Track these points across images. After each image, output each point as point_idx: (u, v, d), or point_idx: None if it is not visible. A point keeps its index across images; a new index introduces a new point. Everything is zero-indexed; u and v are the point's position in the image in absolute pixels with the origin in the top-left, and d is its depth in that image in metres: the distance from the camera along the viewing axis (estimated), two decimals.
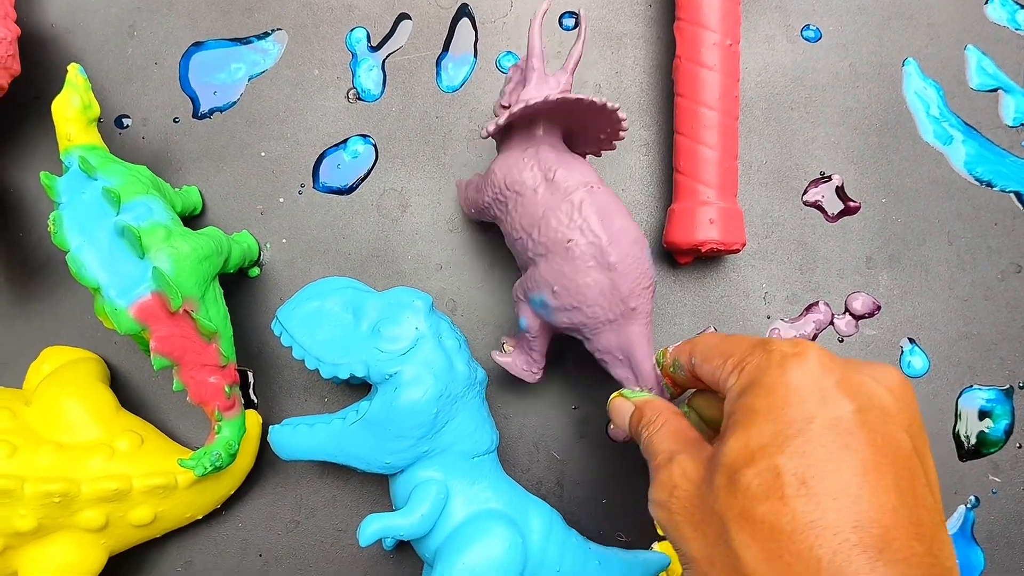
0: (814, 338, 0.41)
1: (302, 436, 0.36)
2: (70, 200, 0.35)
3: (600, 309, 0.33)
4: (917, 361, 0.41)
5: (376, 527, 0.34)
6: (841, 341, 0.41)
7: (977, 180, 0.42)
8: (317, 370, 0.35)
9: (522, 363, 0.37)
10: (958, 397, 0.41)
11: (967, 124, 0.43)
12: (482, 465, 0.36)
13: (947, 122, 0.43)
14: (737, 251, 0.39)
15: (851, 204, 0.42)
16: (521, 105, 0.32)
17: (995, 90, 0.43)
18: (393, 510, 0.36)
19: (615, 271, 0.32)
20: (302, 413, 0.41)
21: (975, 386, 0.41)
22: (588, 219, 0.32)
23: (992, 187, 0.42)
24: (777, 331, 0.41)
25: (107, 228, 0.34)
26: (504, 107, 0.35)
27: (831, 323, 0.41)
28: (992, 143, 0.43)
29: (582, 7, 0.42)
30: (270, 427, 0.36)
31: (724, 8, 0.39)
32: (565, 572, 0.36)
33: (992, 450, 0.41)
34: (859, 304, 0.41)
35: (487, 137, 0.34)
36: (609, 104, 0.32)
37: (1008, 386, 0.41)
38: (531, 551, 0.35)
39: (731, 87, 0.39)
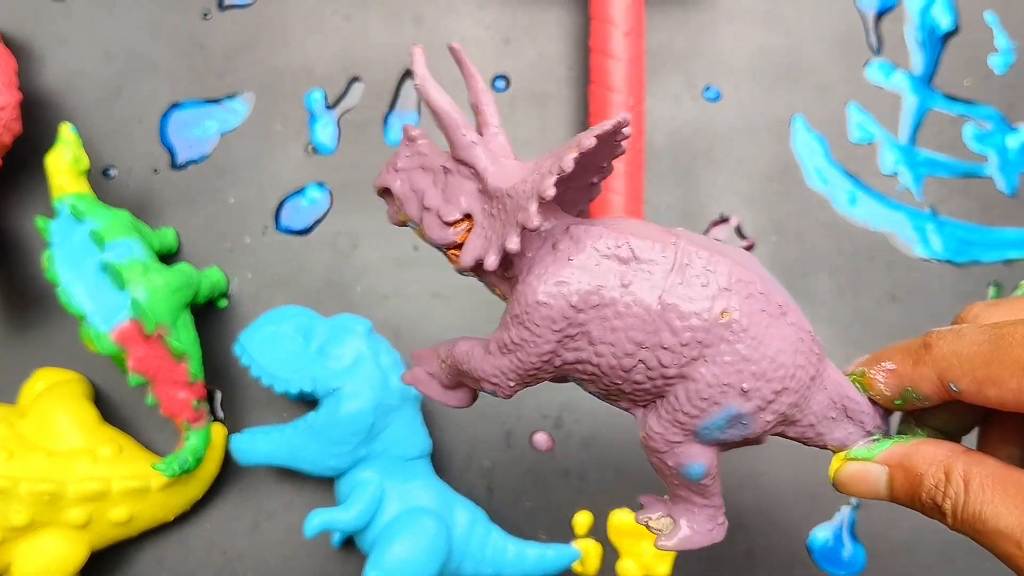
0: None
1: (259, 443, 0.41)
2: (61, 241, 0.41)
3: (803, 369, 0.25)
4: None
5: (319, 520, 0.39)
6: None
7: (856, 221, 0.48)
8: (272, 386, 0.41)
9: (702, 523, 0.28)
10: None
11: (848, 172, 0.49)
12: (415, 467, 0.42)
13: (830, 171, 0.49)
14: None
15: (748, 242, 0.48)
16: (554, 178, 0.22)
17: (872, 143, 0.49)
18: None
19: (788, 307, 0.25)
20: (262, 425, 0.46)
21: None
22: (718, 267, 0.24)
23: (869, 227, 0.48)
24: None
25: (92, 265, 0.40)
26: (428, 209, 0.26)
27: None
28: (870, 188, 0.49)
29: (508, 70, 0.49)
30: (231, 435, 0.42)
31: (629, 73, 0.45)
32: (486, 561, 0.42)
33: None
34: None
35: (535, 229, 0.23)
36: (621, 117, 0.23)
37: None
38: (455, 541, 0.41)
39: (635, 140, 0.45)
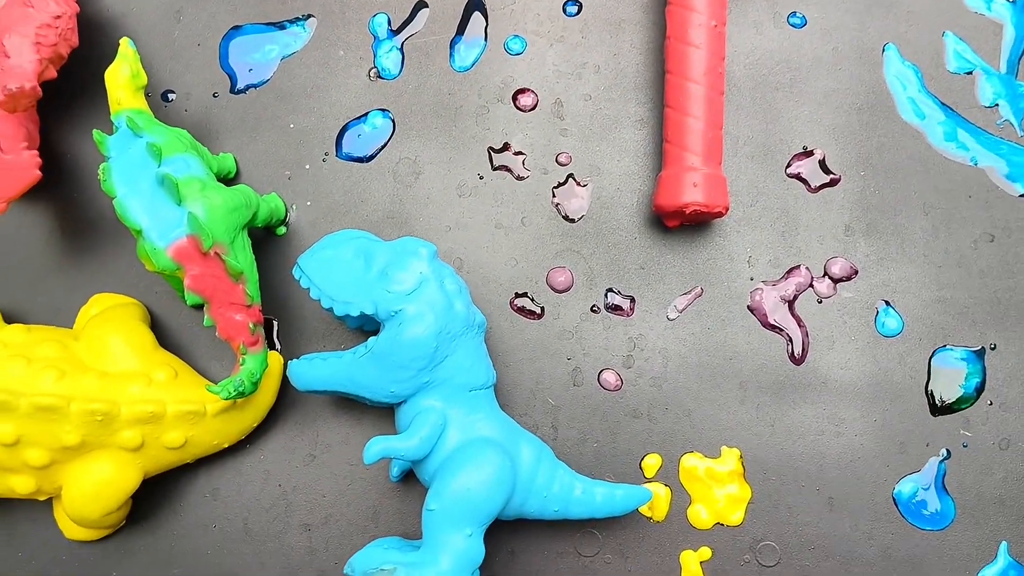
0: (794, 299, 0.44)
1: (316, 368, 0.40)
2: (118, 155, 0.40)
3: None
4: (891, 322, 0.44)
5: (379, 447, 0.38)
6: (820, 302, 0.44)
7: (952, 156, 0.45)
8: (331, 309, 0.39)
9: None
10: (931, 356, 0.43)
11: (944, 104, 0.46)
12: (479, 399, 0.40)
13: (925, 102, 0.46)
14: (720, 214, 0.42)
15: (832, 176, 0.45)
16: None
17: (971, 72, 0.46)
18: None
19: None
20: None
21: (948, 346, 0.44)
22: None
23: (966, 163, 0.45)
24: (760, 291, 0.44)
25: (149, 178, 0.39)
26: None
27: (811, 285, 0.44)
28: (968, 121, 0.45)
29: None
30: (288, 361, 0.41)
31: None
32: (552, 497, 0.39)
33: (964, 406, 0.43)
34: (837, 268, 0.44)
35: None
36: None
37: (980, 347, 0.43)
38: (521, 476, 0.39)
39: (716, 64, 0.43)
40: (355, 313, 0.39)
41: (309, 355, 0.41)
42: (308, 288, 0.40)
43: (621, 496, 0.40)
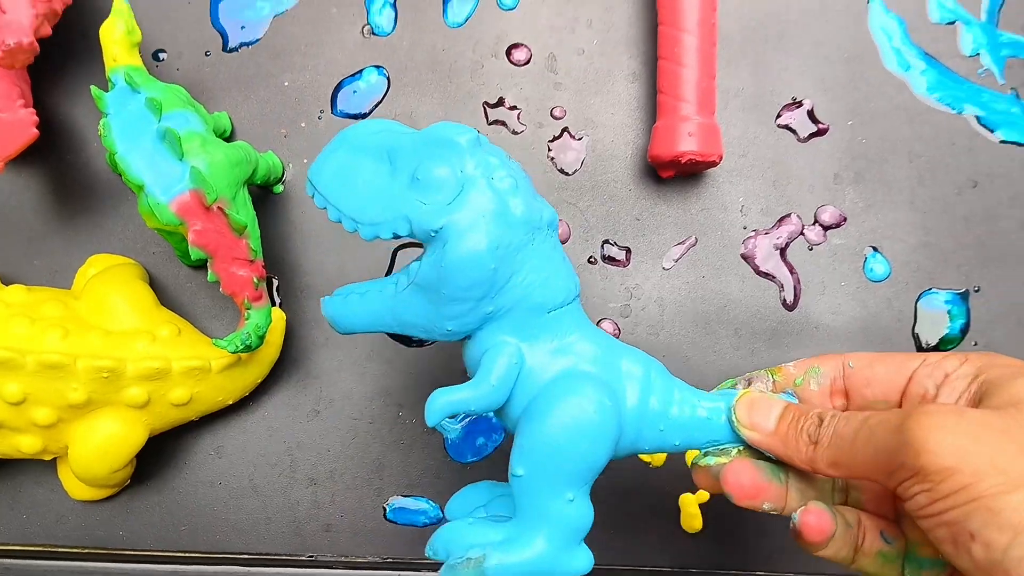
0: (786, 247, 0.45)
1: (354, 306, 0.33)
2: (117, 111, 0.39)
3: None
4: (879, 267, 0.45)
5: (443, 402, 0.30)
6: (811, 249, 0.45)
7: (936, 105, 0.46)
8: (356, 231, 0.31)
9: None
10: (917, 300, 0.45)
11: (927, 54, 0.47)
12: (561, 319, 0.32)
13: (909, 52, 0.47)
14: (715, 163, 0.43)
15: (821, 126, 0.46)
16: None
17: (953, 23, 0.47)
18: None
19: None
20: (323, 320, 0.45)
21: (933, 289, 0.45)
22: None
23: (950, 111, 0.46)
24: (753, 239, 0.45)
25: (150, 133, 0.39)
26: None
27: (802, 233, 0.45)
28: (950, 71, 0.47)
29: None
30: (322, 299, 0.34)
31: None
32: (672, 427, 0.32)
33: (949, 347, 0.45)
34: (827, 216, 0.45)
35: None
36: None
37: (964, 290, 0.45)
38: (628, 408, 0.32)
39: (709, 15, 0.43)
40: (386, 236, 0.31)
41: (344, 289, 0.34)
42: (325, 208, 0.32)
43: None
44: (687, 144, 0.42)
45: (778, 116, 0.46)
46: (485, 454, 0.44)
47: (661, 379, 0.33)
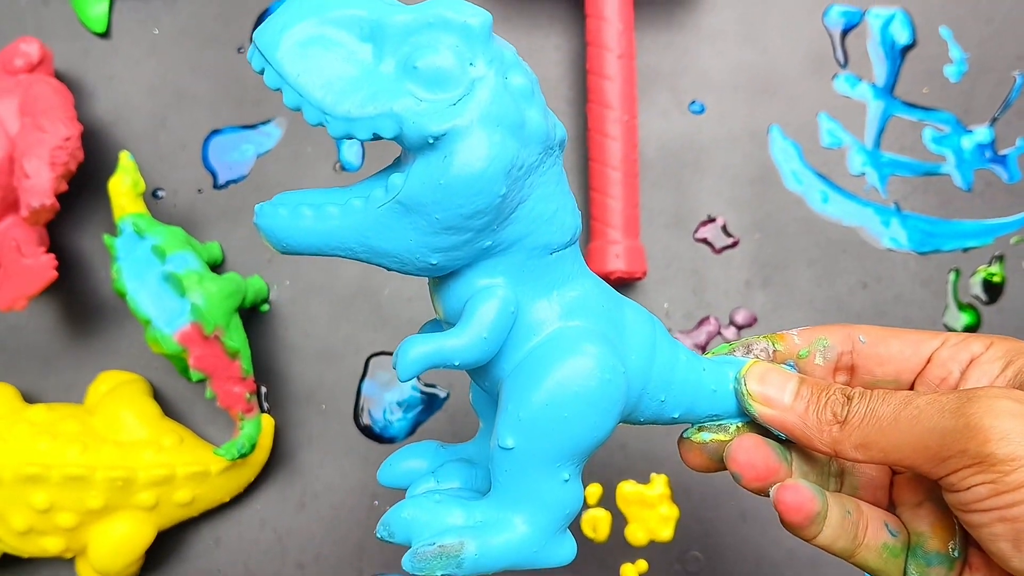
0: (705, 345, 0.52)
1: (304, 222, 0.25)
2: (126, 255, 0.46)
3: None
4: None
5: (421, 351, 0.25)
6: None
7: (830, 217, 0.54)
8: (323, 125, 0.25)
9: None
10: None
11: (820, 174, 0.55)
12: (562, 263, 0.27)
13: (805, 173, 0.55)
14: (640, 278, 0.50)
15: (732, 239, 0.54)
16: None
17: (842, 147, 0.55)
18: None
19: None
20: (306, 423, 0.51)
21: None
22: None
23: (841, 223, 0.54)
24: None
25: (155, 275, 0.45)
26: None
27: (719, 333, 0.53)
28: (841, 188, 0.54)
29: None
30: (256, 206, 0.27)
31: (622, 92, 0.51)
32: (673, 398, 0.28)
33: None
34: (740, 317, 0.53)
35: None
36: None
37: None
38: (632, 371, 0.27)
39: (630, 152, 0.51)
40: (363, 136, 0.24)
41: (287, 197, 0.26)
42: (279, 89, 0.24)
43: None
44: (615, 264, 0.50)
45: (696, 231, 0.54)
46: None
47: (665, 340, 0.29)
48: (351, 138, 0.25)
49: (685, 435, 0.31)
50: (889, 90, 0.56)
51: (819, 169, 0.55)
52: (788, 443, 0.29)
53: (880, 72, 0.56)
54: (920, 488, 0.29)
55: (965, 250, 0.54)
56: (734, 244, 0.54)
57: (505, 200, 0.25)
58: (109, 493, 0.45)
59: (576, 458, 0.26)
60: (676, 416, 0.29)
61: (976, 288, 0.53)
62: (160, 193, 0.54)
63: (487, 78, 0.24)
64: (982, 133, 0.55)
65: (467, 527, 0.26)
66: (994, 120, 0.55)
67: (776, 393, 0.28)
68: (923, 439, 0.25)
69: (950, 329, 0.53)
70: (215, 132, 0.54)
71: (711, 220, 0.54)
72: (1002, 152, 0.55)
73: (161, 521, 0.47)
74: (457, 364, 0.26)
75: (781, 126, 0.55)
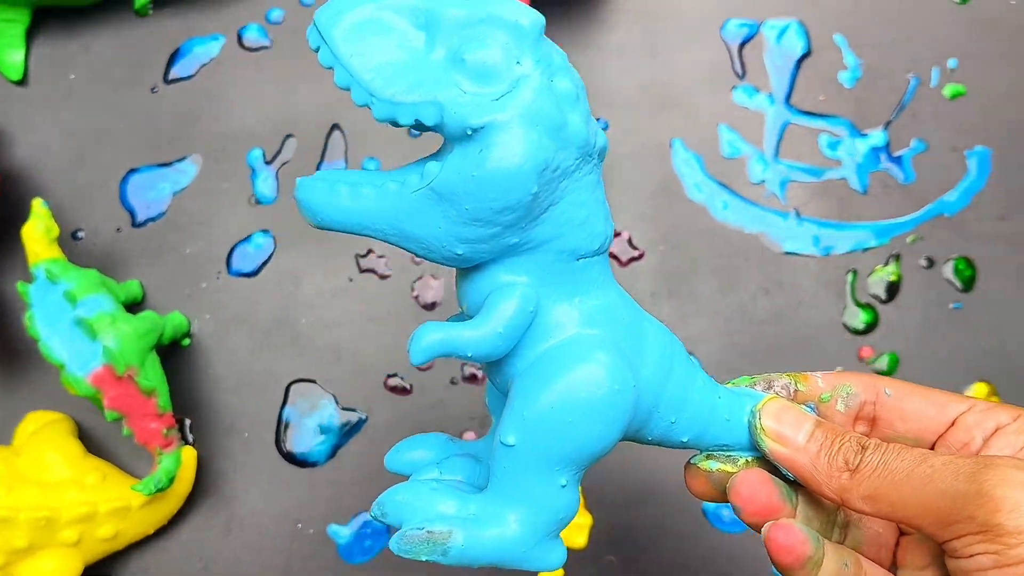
0: None
1: (340, 198, 0.26)
2: (39, 301, 0.48)
3: None
4: None
5: (435, 338, 0.26)
6: None
7: (732, 225, 0.56)
8: (368, 106, 0.26)
9: None
10: None
11: (722, 183, 0.56)
12: (588, 270, 0.27)
13: (707, 183, 0.56)
14: None
15: (638, 252, 0.55)
16: None
17: (741, 156, 0.57)
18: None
19: None
20: (230, 452, 0.53)
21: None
22: None
23: (743, 230, 0.56)
24: None
25: (67, 320, 0.47)
26: None
27: None
28: (742, 196, 0.56)
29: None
30: (298, 179, 0.28)
31: None
32: (683, 421, 0.28)
33: None
34: None
35: None
36: None
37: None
38: (644, 388, 0.27)
39: None
40: (405, 121, 0.25)
41: (329, 174, 0.27)
42: (332, 68, 0.26)
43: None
44: None
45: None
46: (372, 555, 0.52)
47: (684, 362, 0.29)
48: (394, 122, 0.25)
49: (692, 461, 0.31)
50: (786, 99, 0.57)
51: (720, 179, 0.56)
52: (796, 485, 0.29)
53: (777, 82, 0.58)
54: (926, 552, 0.29)
55: (864, 250, 0.56)
56: (640, 256, 0.55)
57: (536, 199, 0.25)
58: (33, 533, 0.46)
59: (575, 465, 0.27)
60: (685, 440, 0.29)
61: (874, 287, 0.55)
62: (80, 234, 0.55)
63: (532, 77, 0.25)
64: (877, 136, 0.57)
65: (459, 518, 0.27)
66: (888, 123, 0.57)
67: (790, 432, 0.28)
68: (933, 499, 0.25)
69: (851, 328, 0.55)
70: (132, 171, 0.56)
71: (617, 234, 0.56)
72: (896, 154, 0.57)
73: (87, 556, 0.48)
74: (469, 355, 0.26)
75: (683, 139, 0.57)
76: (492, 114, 0.24)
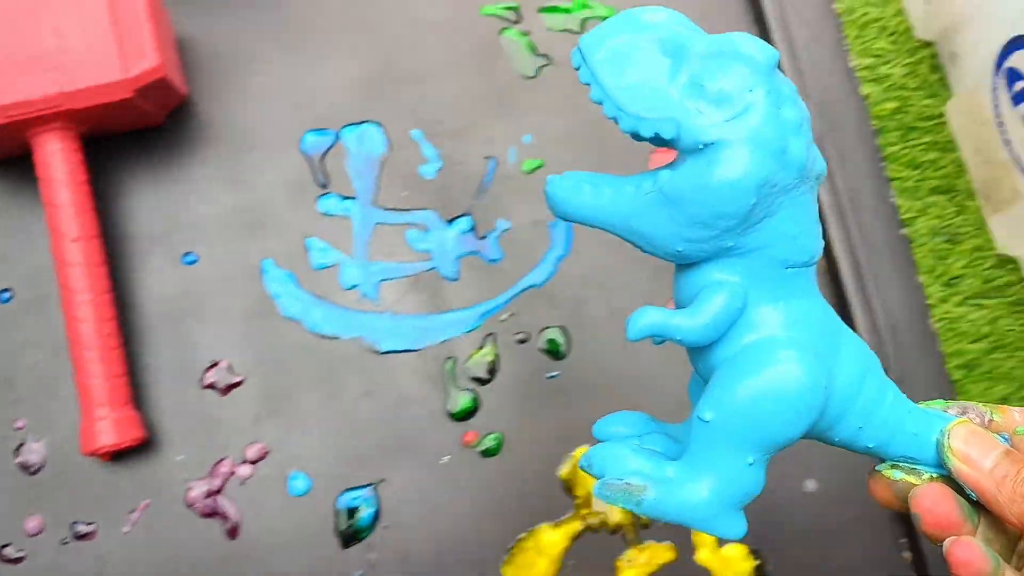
0: (221, 487, 0.55)
1: (583, 195, 0.31)
2: None
3: None
4: (300, 483, 0.55)
5: (651, 320, 0.30)
6: (243, 484, 0.55)
7: (329, 334, 0.57)
8: (616, 119, 0.30)
9: None
10: (335, 502, 0.55)
11: (316, 295, 0.58)
12: (795, 279, 0.30)
13: (301, 297, 0.58)
14: (139, 443, 0.53)
15: (238, 379, 0.56)
16: None
17: (332, 265, 0.58)
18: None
19: None
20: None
21: (348, 489, 0.55)
22: None
23: (341, 336, 0.57)
24: (191, 489, 0.55)
25: None
26: None
27: (233, 472, 0.55)
28: (336, 304, 0.57)
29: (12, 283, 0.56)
30: (548, 177, 0.31)
31: (87, 272, 0.53)
32: (871, 427, 0.31)
33: (364, 536, 0.55)
34: (253, 452, 0.55)
35: None
36: None
37: (370, 482, 0.55)
38: (836, 394, 0.30)
39: (103, 327, 0.53)
40: (647, 134, 0.29)
41: (575, 174, 0.31)
42: (588, 84, 0.30)
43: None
44: (105, 439, 0.52)
45: (202, 378, 0.56)
46: None
47: (877, 375, 0.32)
48: (636, 135, 0.29)
49: (878, 468, 0.32)
50: (370, 201, 0.59)
51: (314, 291, 0.58)
52: (978, 506, 0.30)
53: (360, 185, 0.59)
54: None
55: (462, 336, 0.57)
56: (240, 383, 0.56)
57: (753, 210, 0.28)
58: None
59: (762, 448, 0.29)
60: (871, 447, 0.32)
61: (476, 370, 0.57)
62: None
63: (761, 105, 0.28)
64: (463, 222, 0.59)
65: (653, 477, 0.30)
66: (471, 207, 0.59)
67: (978, 455, 0.29)
68: None
69: (454, 415, 0.56)
70: None
71: (215, 364, 0.56)
72: (482, 235, 0.59)
73: None
74: (679, 339, 0.30)
75: (274, 258, 0.58)
76: (722, 133, 0.28)
